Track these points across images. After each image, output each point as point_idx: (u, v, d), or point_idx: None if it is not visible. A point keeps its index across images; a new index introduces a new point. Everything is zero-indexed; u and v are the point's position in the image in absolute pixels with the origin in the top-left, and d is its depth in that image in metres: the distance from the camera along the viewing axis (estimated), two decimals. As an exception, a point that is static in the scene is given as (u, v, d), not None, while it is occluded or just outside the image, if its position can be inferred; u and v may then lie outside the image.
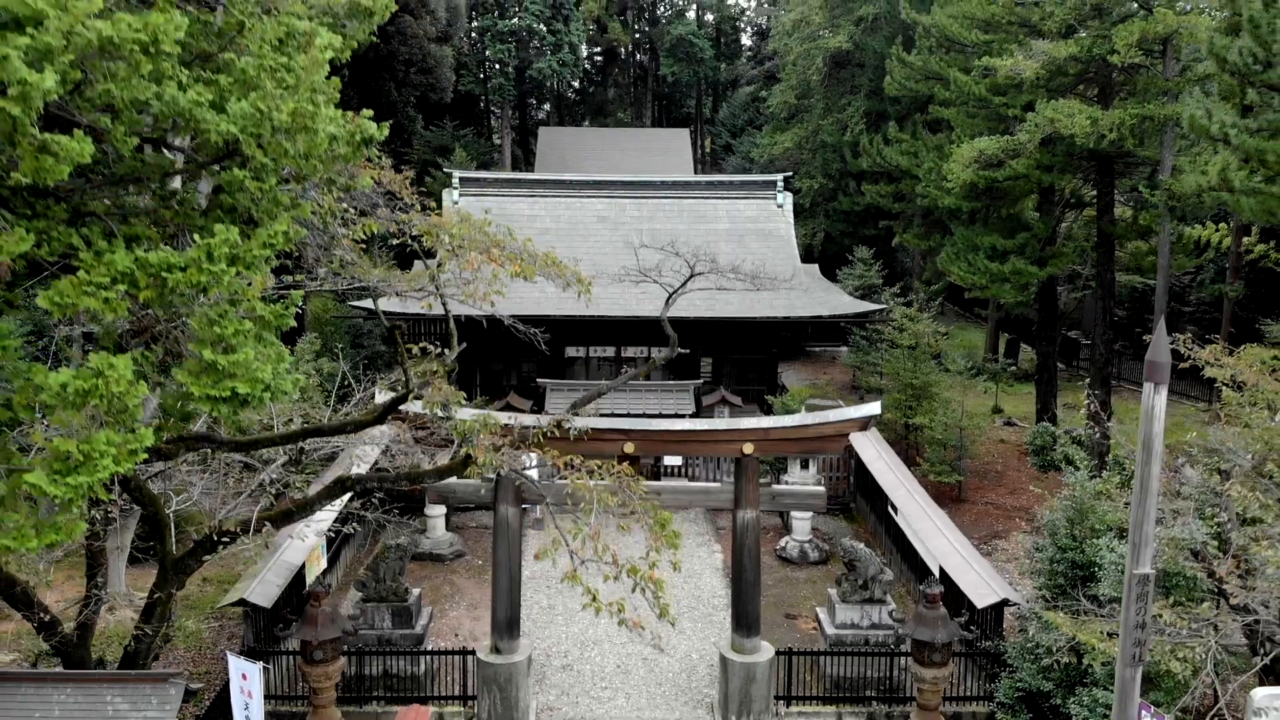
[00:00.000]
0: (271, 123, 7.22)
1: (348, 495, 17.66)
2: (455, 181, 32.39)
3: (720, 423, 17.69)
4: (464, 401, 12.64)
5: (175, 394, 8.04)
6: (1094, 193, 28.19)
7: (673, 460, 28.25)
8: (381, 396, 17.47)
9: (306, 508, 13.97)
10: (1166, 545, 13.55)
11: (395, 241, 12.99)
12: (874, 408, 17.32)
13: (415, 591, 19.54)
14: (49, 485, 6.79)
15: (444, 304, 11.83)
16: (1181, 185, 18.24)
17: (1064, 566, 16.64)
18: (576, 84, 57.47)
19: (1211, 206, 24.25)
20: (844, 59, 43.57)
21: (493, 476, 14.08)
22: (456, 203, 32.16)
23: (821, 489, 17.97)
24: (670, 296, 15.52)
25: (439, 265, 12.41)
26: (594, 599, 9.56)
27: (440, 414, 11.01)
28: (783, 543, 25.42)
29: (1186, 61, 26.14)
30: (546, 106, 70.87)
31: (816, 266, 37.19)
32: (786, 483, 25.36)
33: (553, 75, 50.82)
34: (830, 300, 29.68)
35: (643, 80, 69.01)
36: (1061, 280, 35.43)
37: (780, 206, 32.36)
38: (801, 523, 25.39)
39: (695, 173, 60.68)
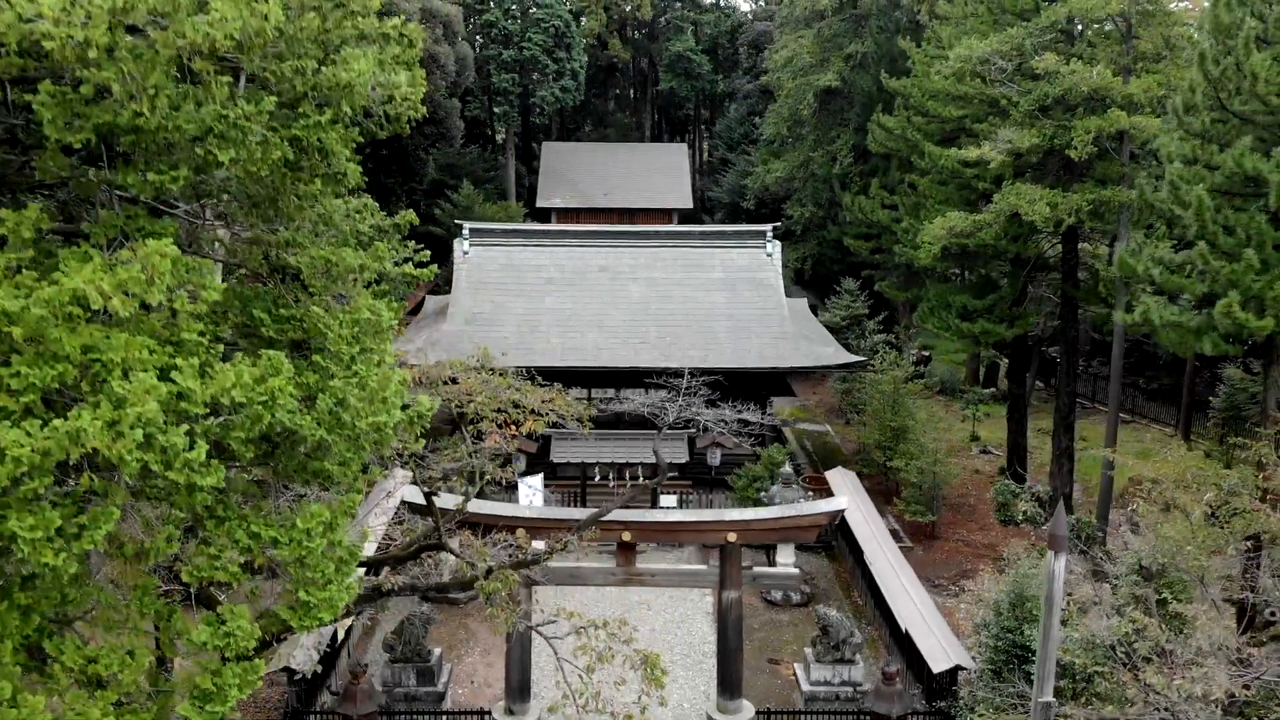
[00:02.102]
0: (355, 428, 9.52)
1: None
2: (466, 233, 34.55)
3: (707, 514, 20.09)
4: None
5: (274, 622, 10.39)
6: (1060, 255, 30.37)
7: (670, 500, 30.66)
8: (405, 489, 19.86)
9: (349, 613, 16.38)
10: (1080, 651, 15.92)
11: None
12: (841, 502, 19.68)
13: (436, 651, 22.04)
14: (195, 714, 9.15)
15: (476, 480, 14.08)
16: (1125, 317, 20.45)
17: (1006, 644, 19.05)
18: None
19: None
20: (834, 92, 45.52)
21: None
22: (466, 253, 34.34)
23: (795, 570, 20.48)
24: (661, 430, 17.71)
25: (467, 425, 14.70)
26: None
27: (470, 570, 13.34)
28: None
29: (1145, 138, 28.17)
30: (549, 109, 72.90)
31: (805, 301, 39.39)
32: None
33: (555, 101, 52.95)
34: (815, 351, 31.92)
35: (642, 88, 71.04)
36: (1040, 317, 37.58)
37: (770, 255, 34.53)
38: (785, 566, 27.80)
39: (694, 185, 62.83)
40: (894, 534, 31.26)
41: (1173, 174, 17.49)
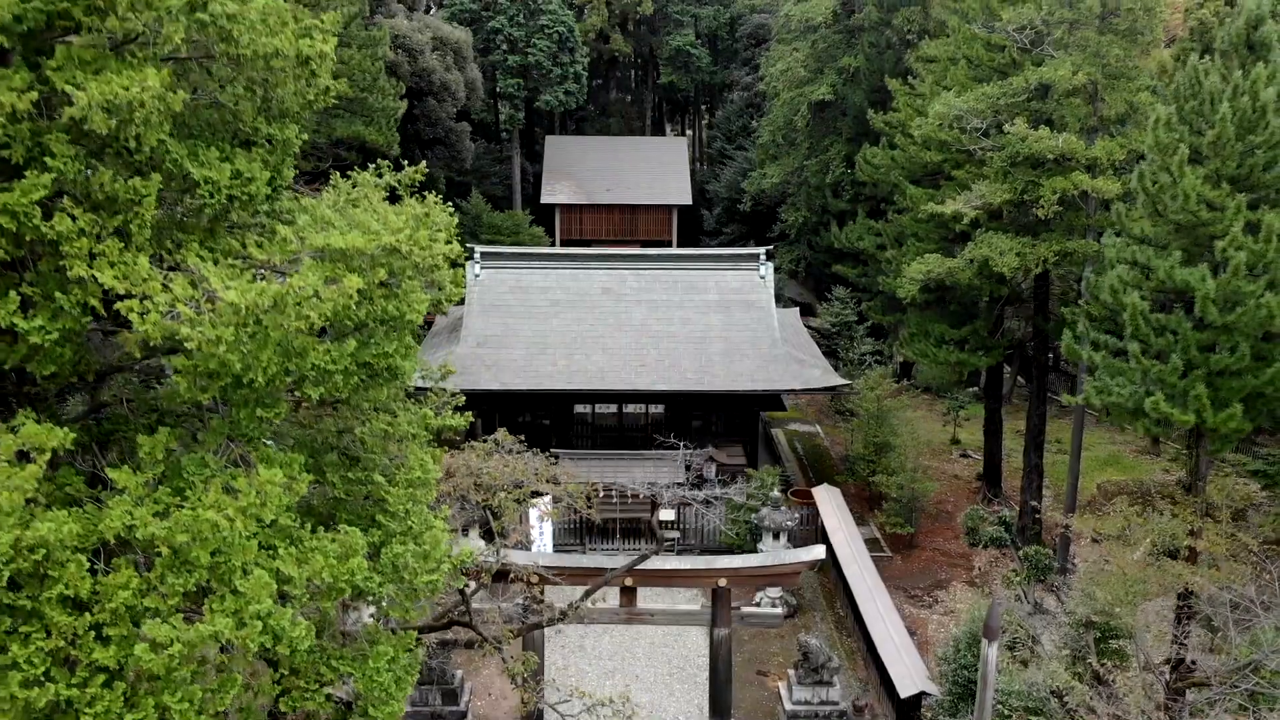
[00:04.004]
0: (412, 583, 11.91)
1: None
2: (477, 256, 36.66)
3: (700, 561, 22.56)
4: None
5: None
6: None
7: (668, 514, 33.14)
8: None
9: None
10: (1018, 701, 18.47)
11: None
12: (819, 551, 22.09)
13: (458, 674, 24.63)
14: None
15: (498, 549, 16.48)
16: (1071, 400, 22.74)
17: (963, 678, 21.64)
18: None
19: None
20: (827, 103, 47.34)
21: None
22: (478, 275, 36.47)
23: (779, 611, 22.98)
24: (654, 504, 20.02)
25: (496, 519, 17.08)
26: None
27: (489, 645, 15.82)
28: (757, 599, 30.35)
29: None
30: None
31: (796, 311, 41.63)
32: (761, 551, 30.21)
33: (559, 105, 54.99)
34: (804, 374, 34.20)
35: (643, 74, 72.75)
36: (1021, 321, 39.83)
37: (763, 278, 36.68)
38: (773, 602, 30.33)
39: (694, 176, 64.74)
40: (875, 543, 33.84)
41: (1112, 278, 19.69)
